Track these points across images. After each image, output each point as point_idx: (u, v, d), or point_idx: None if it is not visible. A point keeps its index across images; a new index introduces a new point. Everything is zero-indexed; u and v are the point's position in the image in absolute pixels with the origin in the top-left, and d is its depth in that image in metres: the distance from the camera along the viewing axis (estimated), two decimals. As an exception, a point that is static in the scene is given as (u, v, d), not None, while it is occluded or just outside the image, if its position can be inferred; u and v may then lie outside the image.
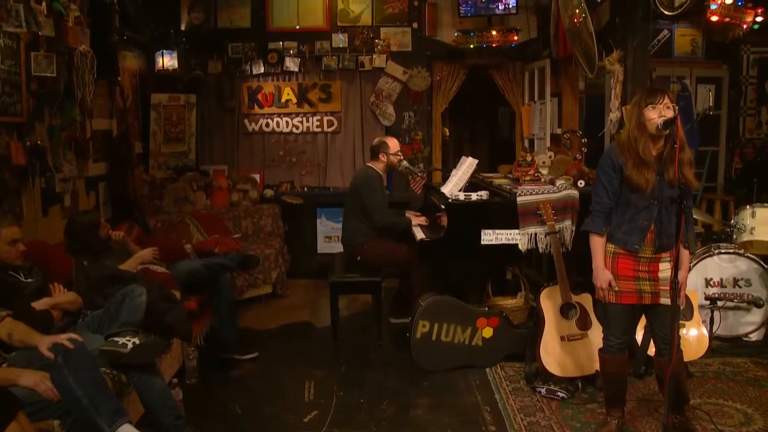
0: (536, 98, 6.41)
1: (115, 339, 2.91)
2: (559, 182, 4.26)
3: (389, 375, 4.15)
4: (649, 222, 2.96)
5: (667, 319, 2.99)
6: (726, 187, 7.06)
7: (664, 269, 3.03)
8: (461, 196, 4.30)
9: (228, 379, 4.11)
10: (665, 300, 3.01)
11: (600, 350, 3.20)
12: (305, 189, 6.96)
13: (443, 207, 4.36)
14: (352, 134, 6.85)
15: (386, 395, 3.82)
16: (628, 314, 3.11)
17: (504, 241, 4.17)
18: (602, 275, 3.04)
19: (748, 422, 3.33)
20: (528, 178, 4.37)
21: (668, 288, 2.97)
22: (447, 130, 7.83)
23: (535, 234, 4.13)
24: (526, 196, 4.14)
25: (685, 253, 3.04)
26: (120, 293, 3.22)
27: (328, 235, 7.02)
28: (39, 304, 3.05)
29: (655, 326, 3.12)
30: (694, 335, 3.89)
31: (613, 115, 4.62)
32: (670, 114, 2.84)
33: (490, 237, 4.19)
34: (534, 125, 6.47)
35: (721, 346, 4.40)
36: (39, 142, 3.97)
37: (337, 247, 6.61)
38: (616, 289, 3.03)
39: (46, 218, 4.15)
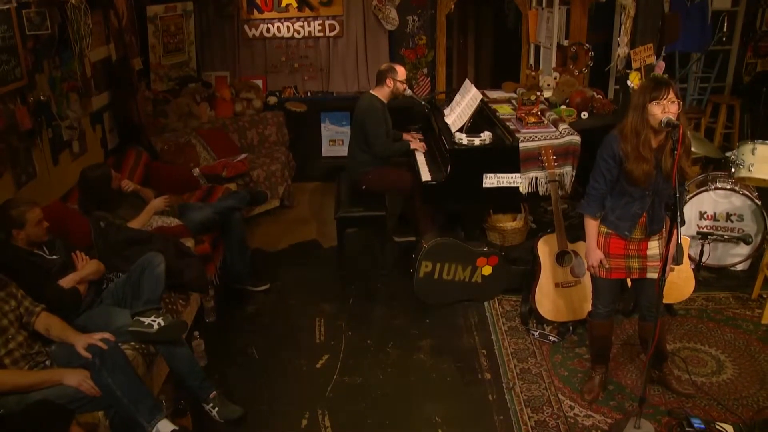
0: (544, 4, 6.16)
1: (142, 319, 3.15)
2: (561, 126, 4.28)
3: (394, 310, 4.43)
4: (642, 210, 3.07)
5: (652, 292, 3.19)
6: (734, 89, 6.96)
7: (653, 247, 3.19)
8: (464, 140, 4.33)
9: (243, 316, 4.41)
10: (652, 274, 3.20)
11: (588, 314, 3.46)
12: (308, 94, 6.92)
13: (447, 152, 4.40)
14: (355, 39, 6.70)
15: (391, 336, 4.14)
16: (616, 287, 3.33)
17: (505, 184, 4.29)
18: (594, 254, 3.22)
19: (719, 370, 3.64)
20: (532, 120, 4.37)
21: (655, 264, 3.17)
22: (452, 4, 7.48)
23: (536, 178, 4.26)
24: (528, 142, 4.20)
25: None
26: (140, 263, 3.42)
27: (333, 138, 7.08)
28: (66, 282, 3.26)
29: (641, 296, 3.34)
30: (682, 279, 4.08)
31: (621, 51, 4.50)
32: (674, 109, 2.84)
33: (491, 180, 4.30)
34: (540, 34, 6.27)
35: (707, 277, 4.64)
36: (42, 97, 3.96)
37: (341, 151, 6.73)
38: (607, 266, 3.22)
39: (58, 167, 4.24)
